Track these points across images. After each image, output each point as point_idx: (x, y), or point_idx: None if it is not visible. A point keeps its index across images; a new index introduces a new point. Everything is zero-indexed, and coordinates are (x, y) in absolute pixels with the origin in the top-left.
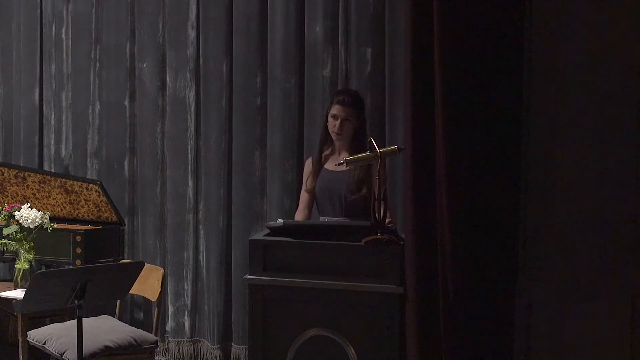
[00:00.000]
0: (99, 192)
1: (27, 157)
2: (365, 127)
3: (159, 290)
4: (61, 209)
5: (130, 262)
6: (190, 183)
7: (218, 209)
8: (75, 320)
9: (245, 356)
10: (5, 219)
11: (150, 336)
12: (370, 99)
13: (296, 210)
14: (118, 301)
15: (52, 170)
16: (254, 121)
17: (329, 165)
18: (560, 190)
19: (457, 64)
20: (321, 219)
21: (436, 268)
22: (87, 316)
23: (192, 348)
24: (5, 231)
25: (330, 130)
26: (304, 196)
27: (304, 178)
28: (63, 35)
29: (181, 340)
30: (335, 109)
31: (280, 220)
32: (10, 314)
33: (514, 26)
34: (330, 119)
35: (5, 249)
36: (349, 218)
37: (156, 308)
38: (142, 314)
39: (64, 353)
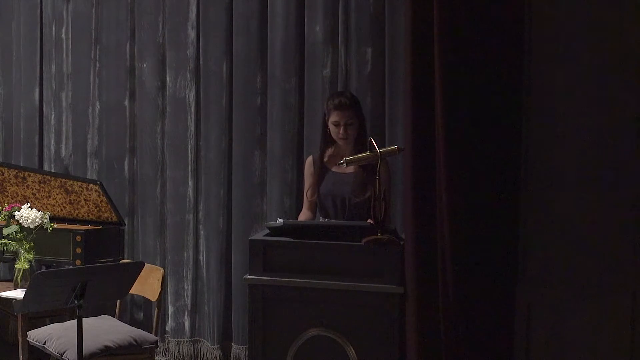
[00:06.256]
0: (99, 192)
1: (27, 157)
2: (365, 126)
3: (159, 290)
4: (61, 209)
5: (130, 262)
6: (190, 183)
7: (218, 209)
8: (75, 320)
9: (245, 356)
10: (5, 219)
11: (150, 336)
12: (370, 99)
13: (300, 213)
14: (118, 301)
15: (52, 170)
16: (254, 121)
17: (334, 167)
18: (560, 191)
19: (457, 64)
20: (322, 220)
21: (436, 268)
22: (87, 316)
23: (192, 348)
24: (5, 231)
25: (335, 137)
26: (306, 200)
27: (306, 179)
28: (63, 35)
29: (181, 340)
30: (335, 116)
31: (280, 220)
32: (10, 314)
33: (514, 25)
34: (332, 127)
35: (5, 249)
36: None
37: (156, 308)
38: (142, 314)
39: (64, 353)
